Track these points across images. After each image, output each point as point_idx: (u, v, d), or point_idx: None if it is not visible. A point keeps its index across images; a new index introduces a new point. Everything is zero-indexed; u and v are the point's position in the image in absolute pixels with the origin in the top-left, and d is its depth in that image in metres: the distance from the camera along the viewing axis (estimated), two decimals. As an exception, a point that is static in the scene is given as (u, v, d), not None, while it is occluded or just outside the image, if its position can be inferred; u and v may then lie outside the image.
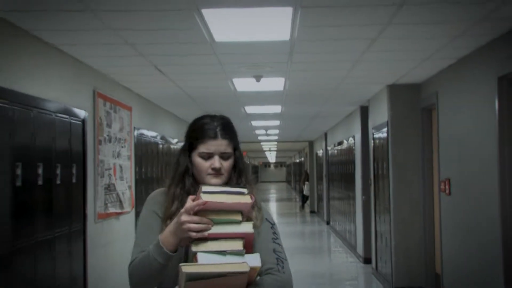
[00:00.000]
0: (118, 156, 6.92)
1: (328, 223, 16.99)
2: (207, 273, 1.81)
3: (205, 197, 1.88)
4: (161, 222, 2.11)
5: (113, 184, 6.65)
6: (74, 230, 5.45)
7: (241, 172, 2.17)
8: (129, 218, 7.45)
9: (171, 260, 1.97)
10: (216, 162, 2.09)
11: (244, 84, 7.31)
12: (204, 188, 1.91)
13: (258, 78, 6.77)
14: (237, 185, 2.10)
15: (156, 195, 2.21)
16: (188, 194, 2.06)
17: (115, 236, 6.83)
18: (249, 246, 1.95)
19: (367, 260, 9.94)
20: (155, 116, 9.42)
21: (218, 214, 1.89)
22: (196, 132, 2.13)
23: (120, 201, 6.85)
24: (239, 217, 1.91)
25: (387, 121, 7.83)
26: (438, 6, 3.99)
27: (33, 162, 4.55)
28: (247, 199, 1.93)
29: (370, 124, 9.21)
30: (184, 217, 1.91)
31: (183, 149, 2.18)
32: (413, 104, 7.59)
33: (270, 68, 6.28)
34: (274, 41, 4.98)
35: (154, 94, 8.29)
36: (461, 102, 5.92)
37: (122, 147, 7.11)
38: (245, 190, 1.94)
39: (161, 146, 9.80)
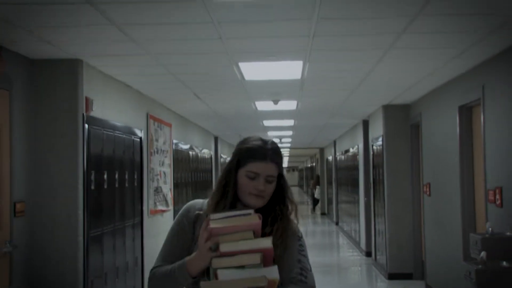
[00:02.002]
0: (162, 165, 8.59)
1: (337, 223, 18.60)
2: None
3: (213, 224, 1.97)
4: (190, 234, 2.19)
5: (160, 187, 8.32)
6: (135, 222, 7.12)
7: (284, 198, 2.23)
8: (169, 215, 9.12)
9: (191, 282, 2.07)
10: (261, 184, 2.13)
11: (264, 105, 8.96)
12: (212, 216, 2.00)
13: (276, 101, 8.42)
14: (278, 208, 2.21)
15: (191, 207, 2.26)
16: (230, 207, 2.15)
17: (161, 229, 8.49)
18: (269, 259, 1.99)
19: (368, 254, 11.52)
20: (187, 129, 11.09)
21: (230, 237, 1.97)
22: (248, 151, 2.16)
23: (166, 201, 8.53)
24: (251, 236, 1.97)
25: (383, 135, 9.43)
26: (416, 55, 5.54)
27: (113, 170, 6.22)
28: (254, 219, 1.99)
29: (370, 136, 10.82)
30: (200, 239, 2.01)
31: (230, 164, 2.20)
32: (404, 121, 9.19)
33: (286, 95, 7.93)
34: (289, 79, 6.62)
35: (188, 112, 9.95)
36: (436, 122, 7.52)
37: (165, 157, 8.78)
38: (251, 211, 2.02)
39: (190, 154, 11.46)
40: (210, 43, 4.74)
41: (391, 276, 9.18)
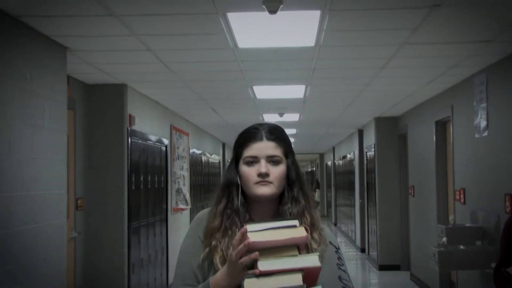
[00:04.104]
0: (182, 169, 9.85)
1: (335, 224, 19.87)
2: None
3: (252, 237, 1.63)
4: (203, 246, 1.86)
5: (180, 188, 9.59)
6: (162, 218, 8.38)
7: (293, 183, 1.89)
8: (187, 213, 10.40)
9: None
10: (262, 166, 1.84)
11: (270, 117, 10.24)
12: (250, 227, 1.66)
13: (281, 114, 9.70)
14: (290, 209, 1.87)
15: (201, 217, 1.95)
16: (236, 211, 1.86)
17: (180, 225, 9.76)
18: (314, 279, 1.68)
19: (363, 250, 12.78)
20: (200, 137, 12.37)
21: (271, 253, 1.63)
22: (242, 137, 1.91)
23: (186, 200, 9.80)
24: (295, 252, 1.65)
25: (374, 143, 10.70)
26: (397, 81, 6.78)
27: (146, 173, 7.48)
28: (301, 232, 1.65)
29: (364, 144, 12.09)
30: (235, 255, 1.65)
31: (230, 161, 1.94)
32: (393, 132, 10.46)
33: (290, 109, 9.21)
34: (294, 98, 7.90)
35: (203, 122, 11.23)
36: (418, 134, 8.80)
37: (183, 162, 10.04)
38: (296, 222, 1.68)
39: (203, 159, 12.74)
40: (233, 74, 6.02)
41: (381, 268, 10.44)
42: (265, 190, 1.84)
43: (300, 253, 1.67)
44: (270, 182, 1.84)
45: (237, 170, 1.89)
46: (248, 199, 1.89)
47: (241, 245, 1.62)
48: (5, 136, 3.67)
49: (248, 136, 1.89)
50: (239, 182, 1.88)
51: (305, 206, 1.89)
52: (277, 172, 1.86)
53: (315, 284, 1.69)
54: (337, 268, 1.86)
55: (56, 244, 4.49)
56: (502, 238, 3.93)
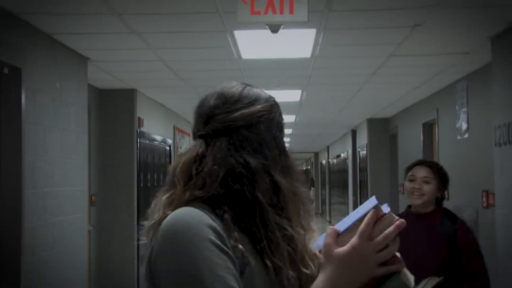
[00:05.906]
0: (184, 168, 10.38)
1: (329, 222, 20.43)
2: None
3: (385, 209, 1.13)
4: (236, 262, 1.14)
5: (183, 186, 10.12)
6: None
7: None
8: (188, 210, 10.93)
9: None
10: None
11: (268, 118, 10.78)
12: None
13: (278, 116, 10.24)
14: None
15: (206, 220, 1.15)
16: None
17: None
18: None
19: (356, 245, 13.33)
20: (200, 137, 12.89)
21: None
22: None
23: (187, 197, 10.35)
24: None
25: (367, 143, 11.25)
26: (387, 86, 7.34)
27: (153, 171, 8.01)
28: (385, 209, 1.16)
29: (357, 143, 12.65)
30: (378, 244, 1.10)
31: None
32: (384, 132, 11.01)
33: (287, 111, 9.75)
34: (290, 101, 8.44)
35: (202, 123, 11.76)
36: (408, 134, 9.35)
37: (185, 161, 10.57)
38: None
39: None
40: (235, 79, 6.52)
41: (373, 262, 10.99)
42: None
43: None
44: None
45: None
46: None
47: (393, 227, 1.09)
48: (41, 139, 4.19)
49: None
50: None
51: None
52: None
53: None
54: None
55: (79, 235, 5.01)
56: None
